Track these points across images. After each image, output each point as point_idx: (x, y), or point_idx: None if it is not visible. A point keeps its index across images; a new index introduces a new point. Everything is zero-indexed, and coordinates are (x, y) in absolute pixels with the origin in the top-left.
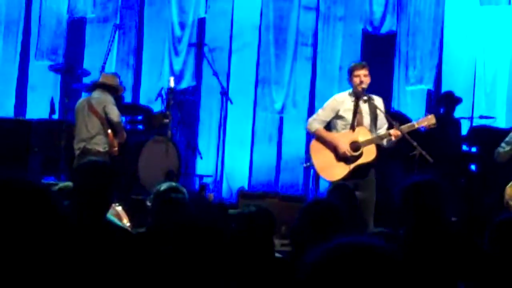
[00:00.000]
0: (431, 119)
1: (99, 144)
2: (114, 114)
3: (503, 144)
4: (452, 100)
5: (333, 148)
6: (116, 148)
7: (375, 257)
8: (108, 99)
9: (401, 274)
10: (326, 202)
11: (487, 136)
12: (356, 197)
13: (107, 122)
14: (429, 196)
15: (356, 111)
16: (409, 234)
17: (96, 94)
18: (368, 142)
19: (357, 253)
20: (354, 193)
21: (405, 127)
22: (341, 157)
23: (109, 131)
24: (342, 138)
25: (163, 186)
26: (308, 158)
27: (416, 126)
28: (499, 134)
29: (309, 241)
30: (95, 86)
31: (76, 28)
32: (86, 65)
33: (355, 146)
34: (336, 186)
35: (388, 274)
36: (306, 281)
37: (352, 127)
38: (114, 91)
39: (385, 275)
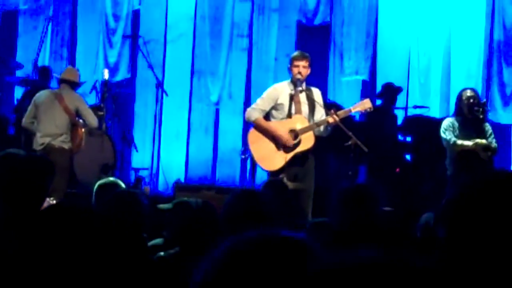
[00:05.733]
0: (366, 103)
1: (66, 142)
2: (93, 118)
3: (447, 133)
4: (392, 90)
5: (272, 137)
6: (80, 147)
7: (281, 248)
8: (81, 99)
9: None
10: (249, 192)
11: (422, 125)
12: (288, 190)
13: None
14: (366, 201)
15: (294, 100)
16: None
17: (66, 90)
18: (305, 130)
19: (262, 245)
20: (286, 187)
21: (341, 112)
22: (280, 146)
23: (82, 130)
24: (281, 127)
25: (101, 182)
26: (245, 149)
27: (353, 110)
28: (433, 123)
29: (234, 232)
30: (63, 81)
31: (8, 20)
32: (19, 57)
33: (293, 134)
34: (268, 182)
35: (293, 264)
36: (208, 277)
37: (289, 115)
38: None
39: (290, 264)
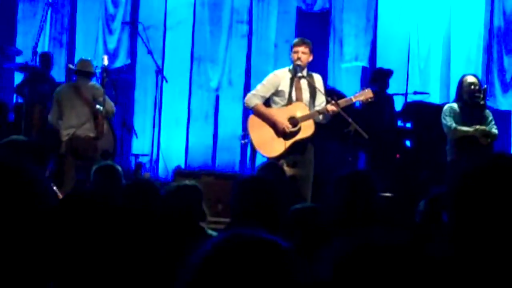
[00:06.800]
0: (368, 93)
1: (90, 130)
2: (111, 105)
3: (448, 119)
4: (383, 74)
5: (272, 124)
6: (103, 134)
7: (258, 251)
8: (98, 88)
9: (285, 268)
10: (257, 178)
11: (422, 111)
12: (285, 174)
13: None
14: (363, 187)
15: (295, 86)
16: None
17: (82, 81)
18: (306, 117)
19: (240, 247)
20: (283, 171)
21: (342, 101)
22: (280, 133)
23: (103, 117)
24: (280, 114)
25: (98, 165)
26: (245, 134)
27: (354, 100)
28: (433, 109)
29: (246, 218)
30: (79, 73)
31: (8, 7)
32: (19, 44)
33: (293, 121)
34: (264, 165)
35: (271, 268)
36: (194, 274)
37: (290, 102)
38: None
39: (267, 269)
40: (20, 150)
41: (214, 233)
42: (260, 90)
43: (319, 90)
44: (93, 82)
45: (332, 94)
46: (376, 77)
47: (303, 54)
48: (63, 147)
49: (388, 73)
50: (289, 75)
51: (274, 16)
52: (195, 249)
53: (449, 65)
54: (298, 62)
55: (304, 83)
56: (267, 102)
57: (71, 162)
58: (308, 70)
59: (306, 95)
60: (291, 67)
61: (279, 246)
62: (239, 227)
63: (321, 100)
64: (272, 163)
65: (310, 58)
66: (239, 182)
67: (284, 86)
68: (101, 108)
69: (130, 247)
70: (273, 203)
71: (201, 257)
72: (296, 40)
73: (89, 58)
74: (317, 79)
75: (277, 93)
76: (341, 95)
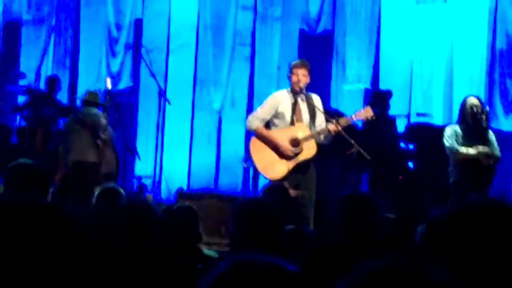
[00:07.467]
0: (368, 112)
1: (95, 156)
2: (106, 134)
3: (450, 141)
4: (382, 96)
5: (273, 146)
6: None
7: (269, 277)
8: (97, 116)
9: None
10: (256, 200)
11: (424, 133)
12: (290, 196)
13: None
14: (365, 209)
15: (295, 108)
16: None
17: (86, 110)
18: (307, 138)
19: (253, 272)
20: (288, 193)
21: (343, 120)
22: (282, 155)
23: (106, 149)
24: (282, 135)
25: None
26: (248, 157)
27: (354, 119)
28: (436, 131)
29: (245, 241)
30: (85, 103)
31: (11, 30)
32: (22, 67)
33: (295, 142)
34: (270, 187)
35: None
36: None
37: (291, 124)
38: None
39: None
40: (27, 174)
41: (211, 253)
42: (260, 113)
43: (319, 110)
44: (96, 110)
45: (334, 115)
46: (375, 99)
47: (303, 77)
48: (69, 174)
49: (386, 94)
50: (288, 97)
51: (277, 39)
52: (193, 270)
53: (452, 87)
54: (300, 85)
55: (303, 104)
56: (267, 125)
57: (75, 188)
58: (311, 91)
59: (306, 116)
60: (289, 88)
61: (285, 270)
62: (239, 251)
63: (321, 120)
64: (278, 185)
65: (308, 80)
66: (238, 205)
67: (284, 108)
68: (103, 136)
69: (128, 268)
70: (273, 225)
71: (207, 285)
72: (296, 62)
73: (96, 91)
74: (316, 99)
75: (277, 115)
76: (343, 117)
